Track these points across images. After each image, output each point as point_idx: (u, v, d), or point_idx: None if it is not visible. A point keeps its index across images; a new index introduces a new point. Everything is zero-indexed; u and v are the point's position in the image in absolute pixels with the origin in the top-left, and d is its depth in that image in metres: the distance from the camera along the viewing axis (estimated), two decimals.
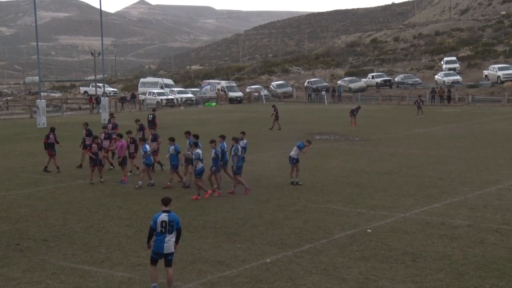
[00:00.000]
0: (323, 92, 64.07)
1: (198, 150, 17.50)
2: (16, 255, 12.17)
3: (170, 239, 9.85)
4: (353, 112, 38.57)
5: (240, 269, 11.27)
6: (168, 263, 9.94)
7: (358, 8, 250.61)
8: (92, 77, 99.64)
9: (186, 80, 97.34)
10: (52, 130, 22.24)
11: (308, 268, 11.31)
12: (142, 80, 78.06)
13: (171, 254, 9.95)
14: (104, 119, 44.39)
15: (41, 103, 42.77)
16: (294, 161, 19.36)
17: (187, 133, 19.55)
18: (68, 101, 68.97)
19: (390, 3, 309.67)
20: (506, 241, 12.93)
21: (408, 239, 13.17)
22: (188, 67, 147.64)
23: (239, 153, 17.93)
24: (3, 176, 20.89)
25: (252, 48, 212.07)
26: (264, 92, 70.41)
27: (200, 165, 17.26)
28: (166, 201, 9.99)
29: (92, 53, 79.57)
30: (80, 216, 15.35)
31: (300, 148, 19.43)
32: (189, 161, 18.66)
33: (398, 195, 17.56)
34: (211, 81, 76.42)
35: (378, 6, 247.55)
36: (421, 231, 13.78)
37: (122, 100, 63.89)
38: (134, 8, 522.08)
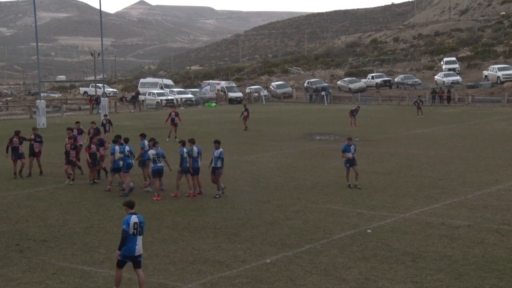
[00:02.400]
0: (323, 93, 64.08)
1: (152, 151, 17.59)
2: (16, 255, 12.16)
3: (140, 241, 9.92)
4: (353, 113, 38.60)
5: (240, 269, 11.27)
6: (139, 265, 9.98)
7: (358, 9, 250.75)
8: (92, 78, 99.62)
9: (186, 80, 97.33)
10: (17, 133, 21.13)
11: (308, 269, 11.30)
12: (142, 80, 78.08)
13: (141, 255, 10.04)
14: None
15: (41, 103, 42.83)
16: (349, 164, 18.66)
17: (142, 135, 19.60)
18: (68, 101, 68.99)
19: (389, 3, 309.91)
20: (506, 241, 12.93)
21: (408, 239, 13.17)
22: (188, 67, 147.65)
23: (194, 155, 17.67)
24: (3, 176, 20.88)
25: (252, 49, 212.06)
26: (264, 92, 70.43)
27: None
28: (132, 204, 10.08)
29: (92, 54, 79.59)
30: (80, 216, 15.34)
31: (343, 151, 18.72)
32: (142, 163, 18.72)
33: (398, 196, 17.56)
34: (211, 81, 76.47)
35: (378, 7, 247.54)
36: (421, 231, 13.78)
37: (122, 99, 64.00)
38: (134, 9, 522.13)
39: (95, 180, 19.72)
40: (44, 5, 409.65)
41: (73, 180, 19.56)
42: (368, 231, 13.84)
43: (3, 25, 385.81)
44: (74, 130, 22.08)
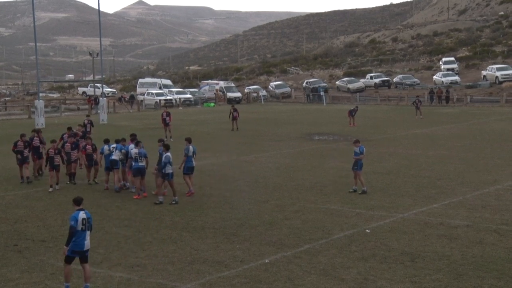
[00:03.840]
0: (322, 93, 64.11)
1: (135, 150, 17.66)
2: (14, 255, 12.16)
3: (88, 236, 10.17)
4: (351, 113, 38.61)
5: (239, 269, 11.27)
6: (86, 260, 10.22)
7: (356, 9, 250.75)
8: (91, 78, 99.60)
9: (184, 80, 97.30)
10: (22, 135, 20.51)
11: (306, 269, 11.30)
12: (140, 80, 78.05)
13: (88, 250, 10.28)
14: (103, 120, 44.42)
15: (40, 103, 42.76)
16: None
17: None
18: (67, 101, 68.95)
19: (388, 3, 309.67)
20: (504, 241, 12.94)
21: (407, 239, 13.17)
22: (186, 67, 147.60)
23: (189, 154, 17.67)
24: (1, 177, 20.84)
25: (251, 49, 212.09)
26: (263, 92, 70.42)
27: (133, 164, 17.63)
28: (79, 201, 10.35)
29: (90, 54, 79.63)
30: None
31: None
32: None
33: (397, 196, 17.57)
34: (209, 81, 76.44)
35: (376, 7, 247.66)
36: (419, 231, 13.79)
37: (120, 99, 63.97)
38: (133, 9, 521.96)
39: (95, 181, 19.67)
40: (42, 5, 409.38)
41: (57, 184, 18.91)
42: (367, 231, 13.84)
43: (1, 25, 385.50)
44: (65, 135, 21.49)
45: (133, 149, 17.78)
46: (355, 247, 12.65)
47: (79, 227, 10.01)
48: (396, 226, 14.27)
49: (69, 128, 21.87)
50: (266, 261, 11.74)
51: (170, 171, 16.69)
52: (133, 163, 17.57)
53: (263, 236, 13.48)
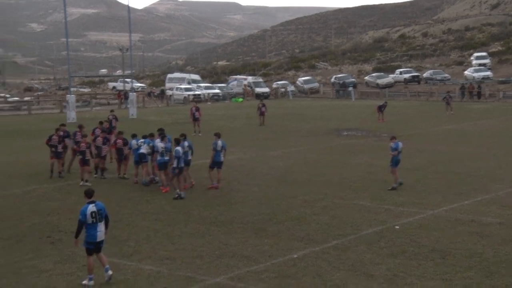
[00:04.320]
0: (350, 88, 63.67)
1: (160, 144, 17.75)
2: (47, 247, 12.37)
3: (101, 228, 10.31)
4: (380, 108, 38.27)
5: (267, 264, 11.28)
6: (99, 250, 10.40)
7: (386, 4, 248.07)
8: (120, 73, 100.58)
9: (213, 75, 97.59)
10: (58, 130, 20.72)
11: (335, 264, 11.26)
12: (169, 75, 78.59)
13: (103, 241, 10.44)
14: (132, 114, 44.83)
15: (71, 98, 43.36)
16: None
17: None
18: (97, 96, 69.81)
19: None
20: None
21: (437, 236, 13.01)
22: (215, 62, 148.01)
23: (217, 149, 17.81)
24: (35, 170, 21.19)
25: (279, 44, 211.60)
26: (291, 87, 70.23)
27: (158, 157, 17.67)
28: (90, 193, 10.46)
29: (120, 49, 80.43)
30: (109, 210, 15.28)
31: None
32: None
33: (427, 192, 17.36)
34: (237, 76, 76.50)
35: (406, 1, 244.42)
36: (450, 228, 13.61)
37: (149, 94, 64.50)
38: (162, 4, 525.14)
39: (124, 175, 19.84)
40: (73, 1, 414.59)
41: (87, 181, 18.86)
42: (396, 227, 13.71)
43: (34, 21, 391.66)
44: (97, 129, 21.67)
45: (159, 143, 17.91)
46: (384, 243, 12.55)
47: (89, 220, 10.16)
48: (426, 222, 14.11)
49: (101, 123, 22.15)
50: (295, 256, 11.73)
51: (181, 165, 16.74)
52: (159, 157, 17.70)
53: (291, 231, 13.47)
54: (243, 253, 11.93)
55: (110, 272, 10.40)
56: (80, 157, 18.85)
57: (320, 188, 18.14)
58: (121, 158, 19.81)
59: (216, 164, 17.97)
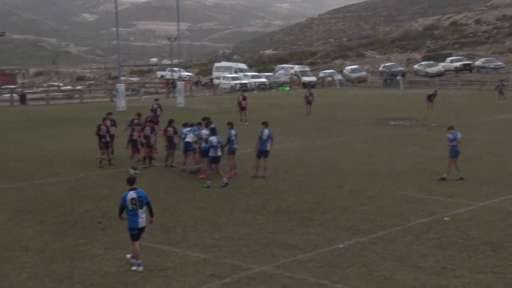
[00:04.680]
0: (399, 77, 62.59)
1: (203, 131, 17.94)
2: (98, 233, 12.69)
3: (142, 214, 10.53)
4: (430, 97, 37.50)
5: (313, 253, 11.26)
6: (139, 237, 10.59)
7: None
8: (169, 62, 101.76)
9: (259, 64, 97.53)
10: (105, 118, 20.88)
11: (382, 255, 11.14)
12: (216, 64, 78.95)
13: (144, 228, 10.63)
14: (180, 103, 45.33)
15: (121, 87, 44.14)
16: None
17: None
18: (146, 85, 70.86)
19: None
20: None
21: (488, 228, 12.70)
22: (261, 51, 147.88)
23: (263, 137, 17.85)
24: (86, 158, 21.71)
25: (326, 33, 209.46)
26: (338, 76, 69.59)
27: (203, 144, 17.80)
28: (132, 181, 10.71)
29: (168, 38, 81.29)
30: (157, 197, 15.73)
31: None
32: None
33: (478, 183, 16.94)
34: (284, 65, 76.25)
35: None
36: (502, 220, 13.26)
37: (197, 83, 65.00)
38: None
39: (172, 164, 20.07)
40: None
41: (135, 168, 18.98)
42: (446, 218, 13.45)
43: (86, 11, 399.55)
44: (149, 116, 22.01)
45: (203, 131, 18.03)
46: (432, 234, 12.33)
47: (129, 206, 10.46)
48: (477, 214, 13.79)
49: (154, 111, 22.22)
50: (341, 246, 11.67)
51: (213, 154, 16.78)
52: (203, 145, 17.86)
53: (338, 221, 13.40)
54: (289, 242, 11.94)
55: (134, 261, 10.59)
56: (130, 145, 19.17)
57: (367, 178, 17.95)
58: (171, 146, 20.01)
59: (262, 153, 18.02)
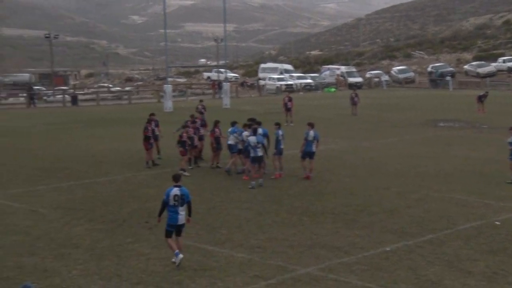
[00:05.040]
0: (448, 77, 61.30)
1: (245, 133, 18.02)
2: (145, 232, 12.89)
3: (182, 211, 10.69)
4: (480, 98, 36.57)
5: (358, 256, 11.15)
6: (180, 233, 10.87)
7: None
8: (215, 63, 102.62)
9: (305, 65, 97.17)
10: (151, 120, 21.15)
11: (430, 259, 10.93)
12: (262, 65, 79.14)
13: (183, 225, 10.83)
14: (225, 104, 45.62)
15: (168, 88, 44.71)
16: None
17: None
18: (192, 86, 71.61)
19: None
20: None
21: None
22: (307, 52, 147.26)
23: (309, 139, 17.76)
24: (134, 158, 22.07)
25: (373, 33, 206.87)
26: (385, 77, 68.70)
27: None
28: (177, 178, 10.91)
29: (215, 40, 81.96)
30: (202, 198, 15.90)
31: None
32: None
33: None
34: (330, 66, 75.80)
35: None
36: None
37: (243, 84, 65.25)
38: None
39: (218, 165, 20.18)
40: None
41: (184, 170, 19.00)
42: (497, 223, 13.09)
43: (135, 13, 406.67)
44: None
45: (245, 132, 18.14)
46: (483, 239, 12.02)
47: (171, 202, 10.65)
48: None
49: (201, 112, 22.27)
50: (387, 249, 11.50)
51: (253, 154, 16.95)
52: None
53: (384, 224, 13.22)
54: (334, 244, 11.85)
55: (180, 256, 10.62)
56: (180, 146, 19.30)
57: (414, 180, 17.65)
58: (218, 147, 20.08)
59: (307, 154, 17.94)
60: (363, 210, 14.36)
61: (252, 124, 18.34)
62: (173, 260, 10.75)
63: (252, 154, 17.09)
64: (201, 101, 30.68)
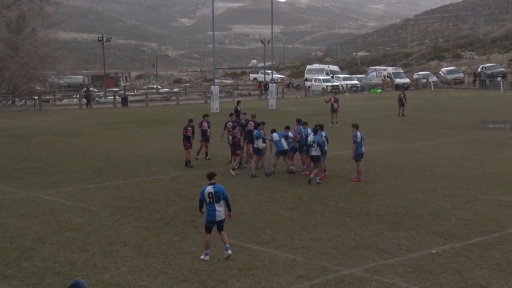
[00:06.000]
0: (499, 78, 59.67)
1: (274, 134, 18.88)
2: (191, 231, 13.04)
3: (220, 207, 10.90)
4: None
5: (403, 258, 10.97)
6: (221, 228, 11.08)
7: None
8: (261, 65, 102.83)
9: (352, 66, 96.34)
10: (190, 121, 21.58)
11: (477, 262, 10.67)
12: (308, 67, 78.95)
13: (223, 220, 11.04)
14: (271, 105, 45.67)
15: (215, 89, 45.11)
16: None
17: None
18: (239, 87, 72.02)
19: None
20: None
21: None
22: (354, 53, 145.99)
23: (358, 140, 17.74)
24: (181, 158, 22.35)
25: (422, 33, 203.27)
26: (433, 78, 67.45)
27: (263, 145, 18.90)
28: (210, 176, 11.10)
29: (262, 41, 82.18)
30: (248, 197, 15.98)
31: None
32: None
33: None
34: (377, 67, 75.03)
35: None
36: None
37: (289, 85, 65.12)
38: None
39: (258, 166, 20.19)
40: None
41: (234, 169, 19.51)
42: None
43: (184, 16, 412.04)
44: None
45: (274, 134, 18.87)
46: None
47: (207, 200, 10.89)
48: None
49: (245, 113, 22.34)
50: (433, 251, 11.28)
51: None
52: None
53: (430, 226, 12.97)
54: (379, 245, 11.71)
55: (229, 252, 10.99)
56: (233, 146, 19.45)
57: (462, 182, 17.26)
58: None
59: (360, 156, 17.77)
60: (408, 212, 14.13)
61: (304, 123, 19.11)
62: (202, 257, 11.04)
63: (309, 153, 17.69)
64: (238, 102, 30.77)
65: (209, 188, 10.96)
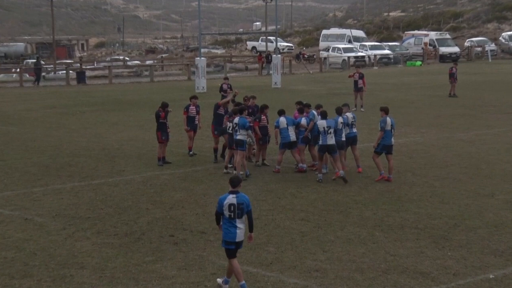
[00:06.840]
0: None
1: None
2: (170, 248, 13.07)
3: (240, 225, 10.56)
4: None
5: (451, 285, 11.04)
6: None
7: None
8: (263, 29, 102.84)
9: (382, 31, 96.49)
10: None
11: None
12: (324, 32, 79.09)
13: (242, 242, 10.69)
14: (276, 83, 45.63)
15: (201, 61, 44.93)
16: None
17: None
18: (233, 59, 72.06)
19: None
20: None
21: None
22: (385, 14, 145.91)
23: (387, 128, 17.84)
24: (156, 152, 22.32)
25: None
26: (491, 46, 67.63)
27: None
28: (234, 182, 10.56)
29: None
30: None
31: None
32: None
33: None
34: (416, 32, 75.13)
35: None
36: None
37: (298, 57, 65.18)
38: None
39: (264, 162, 20.28)
40: None
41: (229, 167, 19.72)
42: None
43: None
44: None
45: (281, 118, 19.18)
46: None
47: (226, 213, 10.45)
48: None
49: (253, 97, 22.32)
50: (491, 276, 11.36)
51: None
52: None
53: (486, 242, 13.05)
54: (418, 268, 11.77)
55: (226, 286, 10.95)
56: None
57: None
58: (264, 140, 20.14)
59: (385, 148, 17.84)
60: (457, 224, 14.20)
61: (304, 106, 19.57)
62: (219, 280, 11.01)
63: (320, 142, 17.70)
64: (225, 78, 31.03)
65: (231, 198, 10.46)
